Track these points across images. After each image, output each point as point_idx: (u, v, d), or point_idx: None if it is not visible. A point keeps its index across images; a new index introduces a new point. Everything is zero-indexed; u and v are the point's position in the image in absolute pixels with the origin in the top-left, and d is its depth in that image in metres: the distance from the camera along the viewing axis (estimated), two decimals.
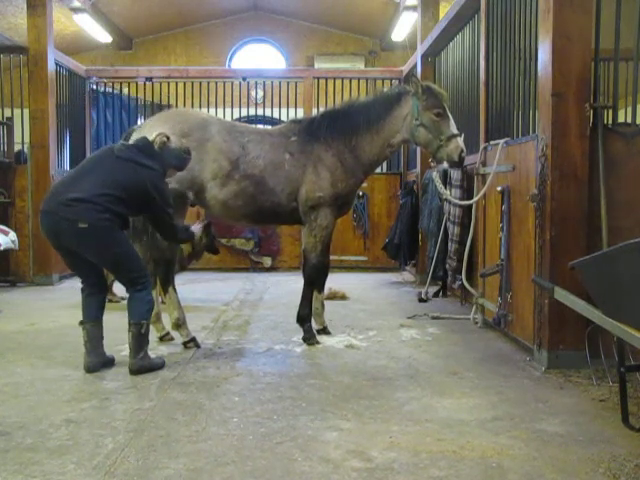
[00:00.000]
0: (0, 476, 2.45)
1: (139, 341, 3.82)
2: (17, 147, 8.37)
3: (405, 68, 9.13)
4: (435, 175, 5.71)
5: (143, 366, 3.83)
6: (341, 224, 7.94)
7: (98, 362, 3.89)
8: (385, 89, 8.80)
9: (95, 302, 3.94)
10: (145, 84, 9.55)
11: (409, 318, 5.55)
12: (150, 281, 3.99)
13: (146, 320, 3.86)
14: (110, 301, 6.19)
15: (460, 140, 4.51)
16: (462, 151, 4.48)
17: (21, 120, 8.01)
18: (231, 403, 3.30)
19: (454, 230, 5.87)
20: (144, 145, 3.94)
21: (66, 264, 4.08)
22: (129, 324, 3.83)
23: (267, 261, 9.15)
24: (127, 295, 3.91)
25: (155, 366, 3.90)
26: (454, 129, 4.52)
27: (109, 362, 3.98)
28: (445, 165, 4.97)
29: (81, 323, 3.93)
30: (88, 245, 3.71)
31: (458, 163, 4.56)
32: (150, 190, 3.78)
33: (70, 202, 3.64)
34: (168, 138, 4.03)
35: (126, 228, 3.91)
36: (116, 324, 4.28)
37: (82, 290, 3.97)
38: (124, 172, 3.78)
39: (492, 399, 3.39)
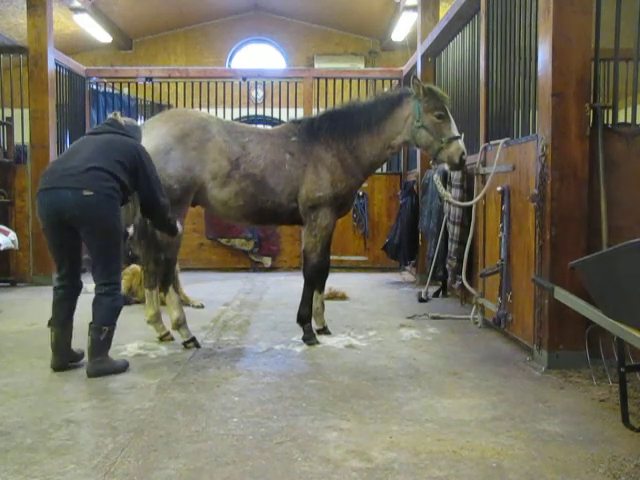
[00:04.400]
0: (0, 476, 2.45)
1: (98, 346, 3.73)
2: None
3: (405, 68, 9.13)
4: (436, 177, 5.70)
5: (102, 369, 3.74)
6: (341, 224, 7.94)
7: (64, 361, 3.86)
8: (386, 89, 8.85)
9: (66, 308, 3.88)
10: (145, 84, 9.55)
11: (409, 318, 5.55)
12: (120, 289, 3.90)
13: (107, 326, 3.75)
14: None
15: (461, 142, 4.52)
16: (463, 153, 4.49)
17: (21, 120, 8.01)
18: (231, 403, 3.30)
19: (454, 230, 5.87)
20: (115, 122, 4.06)
21: (50, 249, 3.91)
22: (90, 326, 3.75)
23: (267, 261, 9.15)
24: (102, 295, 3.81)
25: (117, 369, 3.80)
26: (455, 131, 4.53)
27: (77, 357, 3.95)
28: (445, 166, 4.97)
29: (49, 325, 3.89)
30: (88, 214, 3.64)
31: (459, 165, 4.57)
32: (140, 154, 3.88)
33: (73, 173, 3.66)
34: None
35: (124, 203, 3.92)
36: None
37: (55, 290, 3.89)
38: (114, 139, 3.90)
39: (492, 399, 3.38)
